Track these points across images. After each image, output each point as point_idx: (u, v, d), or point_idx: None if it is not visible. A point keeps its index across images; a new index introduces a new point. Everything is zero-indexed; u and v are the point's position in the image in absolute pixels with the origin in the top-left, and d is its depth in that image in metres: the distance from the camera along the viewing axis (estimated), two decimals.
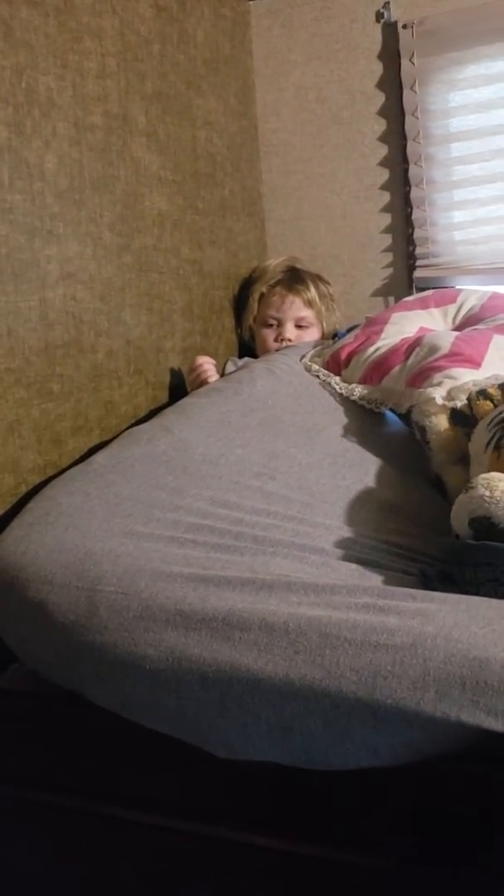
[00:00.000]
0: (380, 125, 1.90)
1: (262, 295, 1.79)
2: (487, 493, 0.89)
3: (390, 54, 1.85)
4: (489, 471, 0.98)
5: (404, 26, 1.79)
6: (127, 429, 1.34)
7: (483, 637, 0.71)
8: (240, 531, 0.99)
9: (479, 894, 0.69)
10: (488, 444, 1.08)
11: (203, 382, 1.54)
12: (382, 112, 1.89)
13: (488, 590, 0.83)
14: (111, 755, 0.85)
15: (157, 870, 0.84)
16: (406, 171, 1.86)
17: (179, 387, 1.57)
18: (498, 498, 0.89)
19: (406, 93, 1.82)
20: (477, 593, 0.83)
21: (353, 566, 0.95)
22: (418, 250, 1.88)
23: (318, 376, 1.53)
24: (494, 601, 0.80)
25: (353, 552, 0.99)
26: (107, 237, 1.40)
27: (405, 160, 1.86)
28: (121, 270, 1.43)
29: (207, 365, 1.58)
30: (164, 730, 0.78)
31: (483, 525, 0.89)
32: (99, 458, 1.15)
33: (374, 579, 0.92)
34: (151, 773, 0.83)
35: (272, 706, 0.72)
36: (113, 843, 0.87)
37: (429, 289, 1.76)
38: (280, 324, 1.76)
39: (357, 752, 0.71)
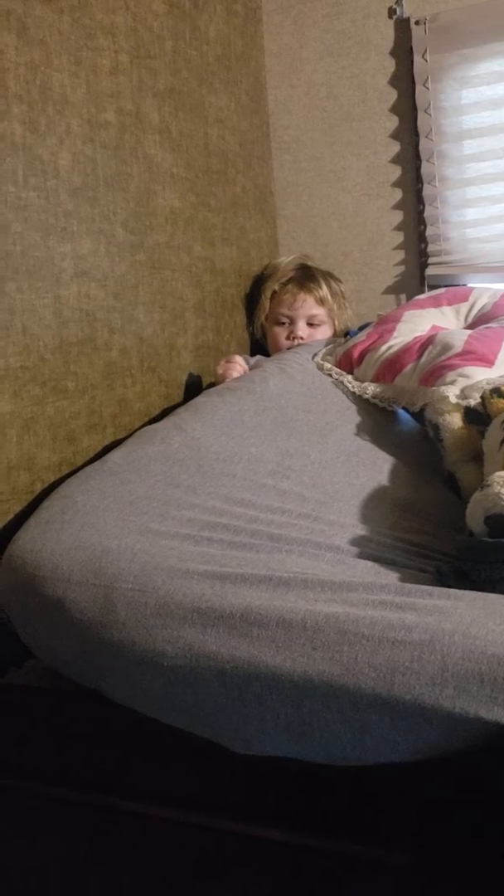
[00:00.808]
0: (392, 122, 1.90)
1: (273, 293, 1.80)
2: (503, 491, 0.89)
3: (403, 51, 1.85)
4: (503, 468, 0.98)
5: (417, 22, 1.79)
6: (140, 426, 1.34)
7: (501, 634, 0.71)
8: (255, 529, 0.99)
9: (496, 891, 0.69)
10: (503, 441, 1.08)
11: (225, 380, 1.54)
12: (395, 109, 1.89)
13: None
14: (128, 751, 0.86)
15: (173, 864, 0.84)
16: (418, 168, 1.86)
17: (192, 384, 1.57)
18: None
19: (418, 89, 1.82)
20: (494, 590, 0.83)
21: (369, 564, 0.95)
22: (430, 248, 1.88)
23: (330, 375, 1.53)
24: None
25: (368, 550, 0.99)
26: (120, 234, 1.41)
27: (417, 157, 1.86)
28: (134, 268, 1.44)
29: (237, 366, 1.58)
30: (181, 725, 0.79)
31: (499, 522, 0.89)
32: (114, 456, 1.15)
33: (391, 577, 0.92)
34: (168, 769, 0.84)
35: (291, 702, 0.73)
36: (129, 838, 0.88)
37: (441, 286, 1.76)
38: (292, 322, 1.76)
39: (375, 748, 0.71)
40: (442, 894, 0.70)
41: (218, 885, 0.83)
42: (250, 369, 1.58)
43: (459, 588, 0.84)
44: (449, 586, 0.86)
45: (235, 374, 1.56)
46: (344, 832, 0.76)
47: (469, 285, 1.76)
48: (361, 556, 0.98)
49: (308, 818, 0.78)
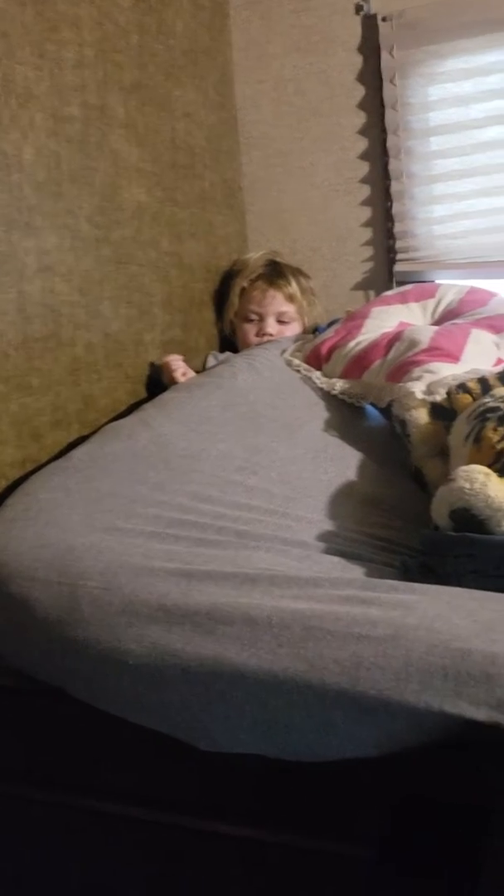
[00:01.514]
0: (360, 118, 1.90)
1: (243, 289, 1.79)
2: (467, 486, 0.90)
3: (370, 47, 1.85)
4: (469, 463, 0.99)
5: (384, 19, 1.79)
6: (106, 423, 1.33)
7: (465, 628, 0.72)
8: (222, 526, 0.99)
9: (461, 884, 0.70)
10: (468, 436, 1.09)
11: (173, 381, 1.52)
12: (362, 105, 1.89)
13: (469, 581, 0.83)
14: (94, 750, 0.85)
15: (139, 862, 0.84)
16: (386, 164, 1.87)
17: (160, 381, 1.56)
18: (478, 490, 0.89)
19: (386, 86, 1.82)
20: (458, 584, 0.84)
21: (336, 559, 0.96)
22: (398, 244, 1.89)
23: (299, 371, 1.53)
24: (476, 592, 0.80)
25: (335, 545, 1.00)
26: (85, 229, 1.39)
27: (385, 153, 1.86)
28: (99, 263, 1.42)
29: (175, 364, 1.55)
30: (147, 724, 0.78)
31: (463, 517, 0.90)
32: (78, 453, 1.14)
33: (357, 572, 0.92)
34: (134, 767, 0.83)
35: (256, 699, 0.72)
36: (96, 838, 0.87)
37: (409, 283, 1.77)
38: (261, 319, 1.75)
39: (341, 744, 0.71)
40: (407, 888, 0.71)
41: (186, 882, 0.83)
42: (219, 365, 1.57)
43: (424, 582, 0.85)
44: (414, 580, 0.86)
45: (178, 370, 1.53)
46: (310, 827, 0.76)
47: (436, 282, 1.78)
48: (328, 551, 0.98)
49: (275, 814, 0.78)
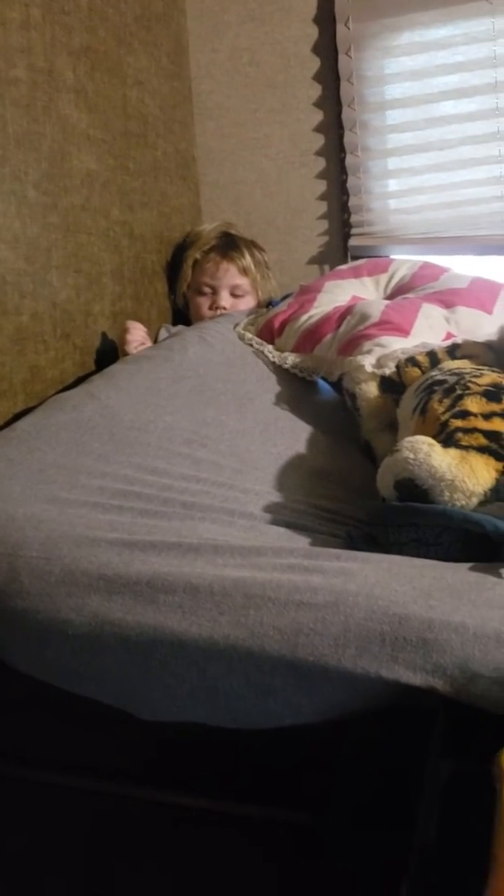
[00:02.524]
0: (315, 90, 1.88)
1: (195, 261, 1.77)
2: (412, 456, 0.90)
3: (326, 18, 1.83)
4: (415, 435, 0.99)
5: None
6: (54, 394, 1.31)
7: (404, 594, 0.72)
8: (168, 497, 0.98)
9: (398, 848, 0.71)
10: (415, 409, 1.10)
11: (125, 353, 1.50)
12: (317, 77, 1.87)
13: (411, 549, 0.84)
14: (33, 720, 0.84)
15: (81, 831, 0.83)
16: (341, 137, 1.85)
17: (109, 352, 1.54)
18: (421, 460, 0.90)
19: (341, 58, 1.81)
20: (400, 553, 0.84)
21: (282, 530, 0.96)
22: (353, 218, 1.88)
23: (251, 345, 1.52)
24: (417, 560, 0.81)
25: (282, 517, 0.99)
26: (32, 196, 1.36)
27: (340, 126, 1.85)
28: (46, 230, 1.39)
29: (133, 334, 1.53)
30: (87, 693, 0.78)
31: (407, 487, 0.90)
32: (22, 424, 1.12)
33: (302, 542, 0.92)
34: (74, 737, 0.82)
35: (196, 667, 0.72)
36: (36, 807, 0.86)
37: (363, 257, 1.77)
38: (215, 292, 1.74)
39: (280, 711, 0.71)
40: (343, 853, 0.71)
41: (126, 852, 0.83)
42: (170, 338, 1.55)
43: (368, 552, 0.85)
44: (358, 550, 0.86)
45: (138, 337, 1.52)
46: (250, 795, 0.77)
47: (390, 257, 1.78)
48: (274, 522, 0.97)
49: (215, 782, 0.78)
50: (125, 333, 1.53)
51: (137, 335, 1.53)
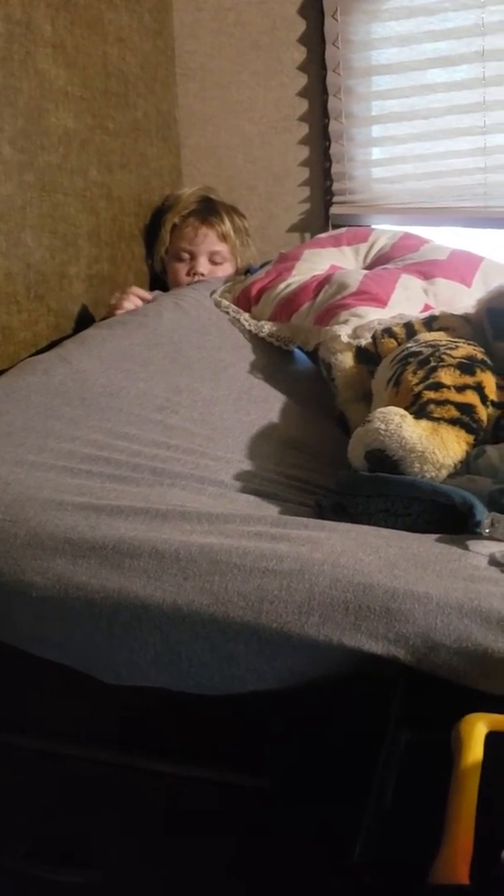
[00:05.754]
0: (300, 53, 1.84)
1: (174, 226, 1.73)
2: (383, 427, 0.90)
3: None
4: (388, 406, 0.99)
5: None
6: (26, 357, 1.29)
7: (369, 564, 0.72)
8: (137, 463, 0.98)
9: (355, 814, 0.72)
10: (389, 380, 1.09)
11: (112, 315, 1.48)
12: (303, 40, 1.83)
13: (379, 520, 0.84)
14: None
15: (45, 796, 0.84)
16: (325, 102, 1.82)
17: (85, 315, 1.52)
18: (392, 431, 0.90)
19: (327, 20, 1.76)
20: (369, 523, 0.84)
21: (252, 498, 0.96)
22: (335, 186, 1.86)
23: (227, 312, 1.50)
24: (384, 530, 0.81)
25: (252, 485, 0.99)
26: (6, 152, 1.32)
27: (325, 91, 1.82)
28: (21, 189, 1.36)
29: (133, 297, 1.52)
30: (50, 657, 0.78)
31: (377, 457, 0.90)
32: None
33: (271, 510, 0.92)
34: (38, 700, 0.82)
35: (159, 632, 0.72)
36: (3, 771, 0.86)
37: (344, 226, 1.75)
38: (193, 257, 1.71)
39: (243, 677, 0.71)
40: (301, 817, 0.72)
41: (90, 816, 0.83)
42: (146, 304, 1.53)
43: (336, 521, 0.85)
44: (326, 519, 0.87)
45: (128, 307, 1.50)
46: (212, 759, 0.77)
47: (371, 226, 1.76)
48: (244, 490, 0.97)
49: (178, 747, 0.78)
50: (122, 300, 1.50)
51: (131, 302, 1.51)
